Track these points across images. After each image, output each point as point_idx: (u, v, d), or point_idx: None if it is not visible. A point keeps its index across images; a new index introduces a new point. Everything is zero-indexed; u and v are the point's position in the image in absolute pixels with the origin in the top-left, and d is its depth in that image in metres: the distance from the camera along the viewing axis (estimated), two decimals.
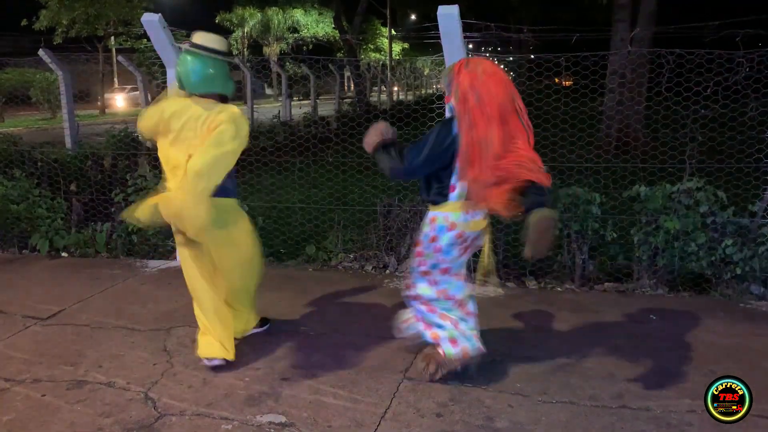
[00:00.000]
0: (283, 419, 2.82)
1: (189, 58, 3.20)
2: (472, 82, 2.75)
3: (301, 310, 4.10)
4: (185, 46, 3.25)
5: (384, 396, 3.01)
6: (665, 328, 3.79)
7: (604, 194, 4.61)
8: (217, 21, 40.53)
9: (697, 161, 4.67)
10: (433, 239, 2.95)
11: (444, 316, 3.08)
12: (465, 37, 4.46)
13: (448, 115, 2.97)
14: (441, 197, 2.92)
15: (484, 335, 3.65)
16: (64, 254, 5.51)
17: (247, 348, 3.54)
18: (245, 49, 41.21)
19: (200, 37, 3.23)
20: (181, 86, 3.23)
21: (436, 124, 2.97)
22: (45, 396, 3.05)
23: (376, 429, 2.74)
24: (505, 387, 3.07)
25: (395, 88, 28.27)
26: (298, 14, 40.56)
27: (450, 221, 2.90)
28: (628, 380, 3.11)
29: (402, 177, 2.99)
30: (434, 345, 3.12)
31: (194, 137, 3.08)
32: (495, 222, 4.86)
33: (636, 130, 10.09)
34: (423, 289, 3.08)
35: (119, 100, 31.51)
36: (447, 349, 3.07)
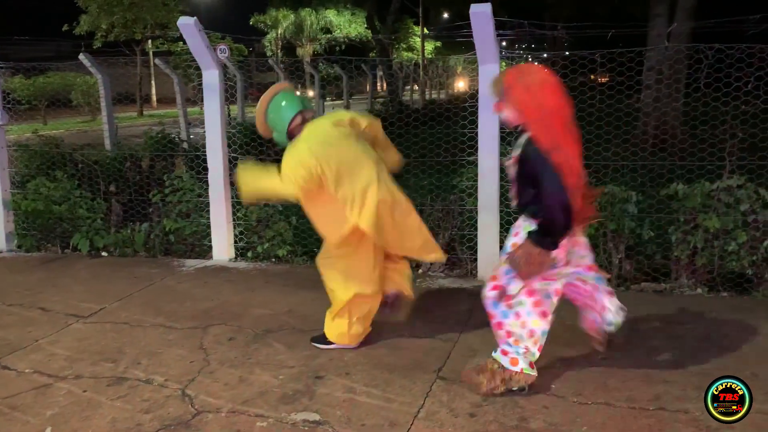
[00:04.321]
0: (317, 417, 2.84)
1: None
2: (532, 96, 2.70)
3: None
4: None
5: (417, 395, 3.01)
6: (704, 328, 3.71)
7: (640, 192, 4.53)
8: (251, 23, 41.01)
9: (738, 158, 4.56)
10: None
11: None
12: (498, 35, 4.44)
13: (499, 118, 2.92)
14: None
15: None
16: (104, 254, 5.64)
17: (282, 346, 3.58)
18: (279, 51, 41.59)
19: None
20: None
21: (533, 165, 2.75)
22: (86, 392, 3.13)
23: (409, 428, 2.75)
24: (539, 388, 3.03)
25: (427, 87, 28.22)
26: (330, 15, 40.78)
27: None
28: (666, 382, 3.06)
29: (563, 214, 2.71)
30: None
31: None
32: None
33: (674, 126, 9.89)
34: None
35: None
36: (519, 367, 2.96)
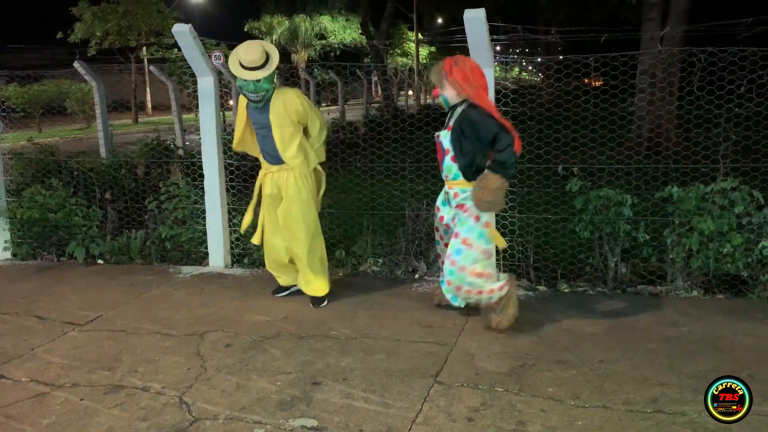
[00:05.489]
0: (315, 423, 2.84)
1: None
2: (470, 75, 3.59)
3: (331, 315, 4.13)
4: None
5: (415, 400, 3.01)
6: (701, 331, 3.72)
7: (635, 196, 4.55)
8: (245, 29, 41.01)
9: (732, 161, 4.59)
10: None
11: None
12: (492, 40, 4.45)
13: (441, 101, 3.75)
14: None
15: (516, 339, 3.65)
16: (100, 261, 5.63)
17: (278, 352, 3.58)
18: None
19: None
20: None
21: (477, 118, 3.57)
22: (83, 400, 3.12)
23: None
24: (537, 391, 3.05)
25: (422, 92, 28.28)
26: (325, 21, 40.75)
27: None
28: (662, 384, 3.07)
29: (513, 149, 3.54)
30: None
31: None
32: (525, 225, 4.84)
33: (668, 130, 9.94)
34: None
35: None
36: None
